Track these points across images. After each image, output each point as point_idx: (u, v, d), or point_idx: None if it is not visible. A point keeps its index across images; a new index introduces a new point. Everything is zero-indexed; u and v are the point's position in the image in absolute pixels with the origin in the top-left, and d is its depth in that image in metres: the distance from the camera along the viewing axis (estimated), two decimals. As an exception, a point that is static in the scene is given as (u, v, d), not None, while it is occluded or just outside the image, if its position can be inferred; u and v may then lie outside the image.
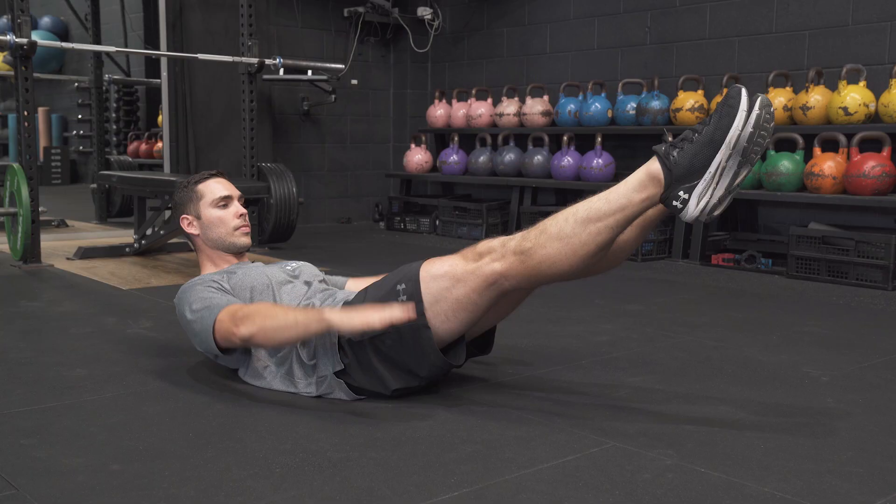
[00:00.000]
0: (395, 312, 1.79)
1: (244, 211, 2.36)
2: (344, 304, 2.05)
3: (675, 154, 1.75)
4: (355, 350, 1.97)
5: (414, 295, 1.91)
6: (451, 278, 1.89)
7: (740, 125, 1.70)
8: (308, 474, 1.59)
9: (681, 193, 1.75)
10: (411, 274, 1.94)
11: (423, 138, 6.04)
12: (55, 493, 1.50)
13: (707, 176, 1.73)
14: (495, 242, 1.89)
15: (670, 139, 1.83)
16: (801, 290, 3.68)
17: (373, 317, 1.79)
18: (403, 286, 1.93)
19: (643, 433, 1.82)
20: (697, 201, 1.74)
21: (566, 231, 1.80)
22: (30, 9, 3.91)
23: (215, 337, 2.02)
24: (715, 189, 1.74)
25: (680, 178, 1.74)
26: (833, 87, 4.14)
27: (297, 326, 1.87)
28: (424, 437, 1.79)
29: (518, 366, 2.37)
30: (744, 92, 1.72)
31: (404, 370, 1.97)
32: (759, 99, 1.73)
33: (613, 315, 3.08)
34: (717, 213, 1.76)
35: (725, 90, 4.36)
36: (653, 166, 1.77)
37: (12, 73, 3.99)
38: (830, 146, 4.03)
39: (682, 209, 1.76)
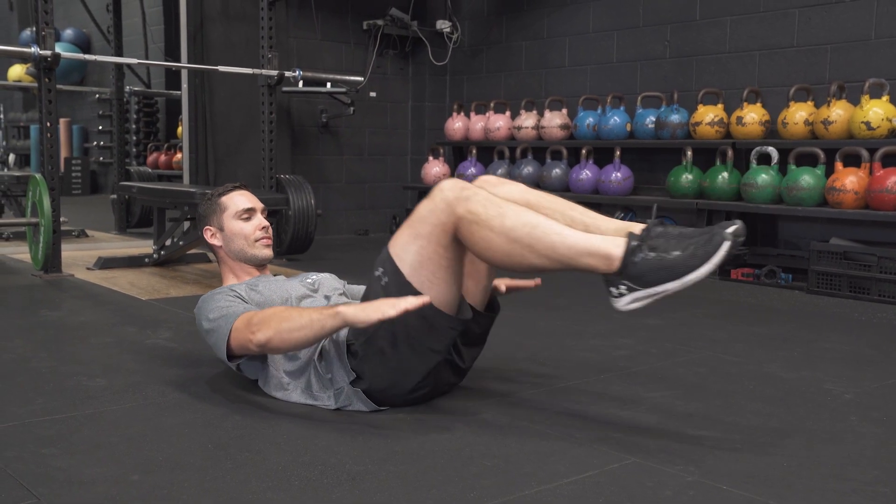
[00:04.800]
0: (408, 301, 1.80)
1: (267, 223, 2.37)
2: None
3: (639, 257, 1.75)
4: (367, 351, 1.96)
5: (393, 273, 1.93)
6: (414, 238, 1.92)
7: (705, 272, 1.73)
8: (327, 487, 1.58)
9: (622, 286, 1.78)
10: (384, 255, 1.97)
11: (441, 151, 6.05)
12: (76, 503, 1.51)
13: (651, 291, 1.77)
14: (449, 193, 1.89)
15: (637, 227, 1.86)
16: (822, 305, 3.65)
17: (386, 307, 1.79)
18: (381, 269, 1.96)
19: (664, 449, 1.81)
20: (631, 302, 1.79)
21: (515, 235, 1.82)
22: (53, 21, 3.95)
23: (230, 344, 2.03)
24: (650, 301, 1.78)
25: (629, 276, 1.77)
26: (855, 101, 4.11)
27: (312, 325, 1.86)
28: (444, 451, 1.78)
29: (537, 380, 2.36)
30: (726, 245, 1.71)
31: (420, 350, 1.96)
32: (728, 245, 1.72)
33: (632, 329, 3.06)
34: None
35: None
36: (615, 251, 1.77)
37: (35, 84, 4.03)
38: (852, 161, 4.00)
39: (616, 298, 1.80)
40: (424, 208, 1.92)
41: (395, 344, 1.95)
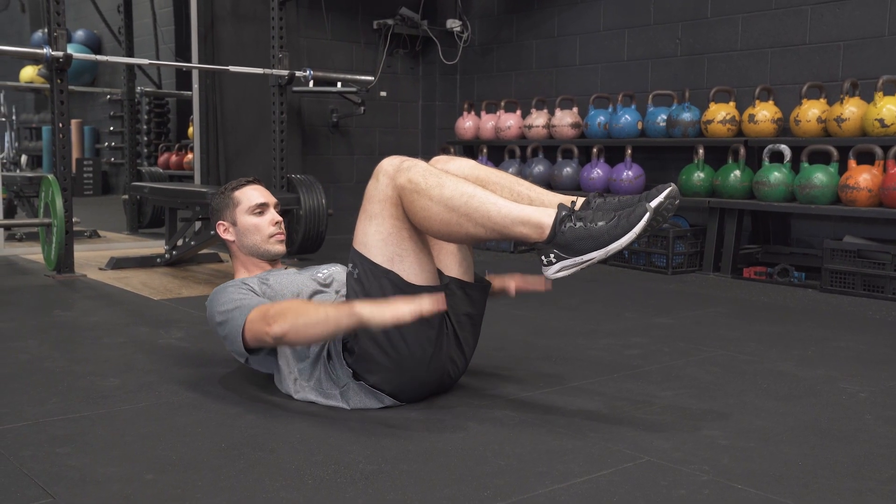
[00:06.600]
0: (424, 304, 1.81)
1: (280, 218, 2.37)
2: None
3: (567, 226, 1.82)
4: (362, 347, 1.97)
5: (362, 262, 1.97)
6: (369, 221, 1.97)
7: (626, 242, 1.80)
8: (340, 486, 1.58)
9: (552, 255, 1.86)
10: (352, 251, 2.01)
11: (452, 150, 6.03)
12: (90, 501, 1.51)
13: (578, 260, 1.85)
14: (389, 167, 1.95)
15: (579, 201, 1.93)
16: (835, 304, 3.63)
17: (403, 310, 1.81)
18: (351, 264, 2.01)
19: (678, 448, 1.80)
20: (559, 270, 1.87)
21: (453, 204, 1.87)
22: (65, 23, 3.97)
23: (245, 336, 2.03)
24: (576, 270, 1.86)
25: (558, 245, 1.85)
26: (869, 98, 4.08)
27: (328, 322, 1.87)
28: (456, 450, 1.78)
29: (549, 379, 2.35)
30: (647, 216, 1.78)
31: (412, 333, 1.96)
32: (649, 216, 1.78)
33: (644, 328, 3.05)
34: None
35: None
36: (546, 220, 1.84)
37: (47, 85, 4.05)
38: (866, 158, 3.98)
39: (546, 266, 1.88)
40: (370, 189, 1.98)
41: (388, 335, 1.95)
